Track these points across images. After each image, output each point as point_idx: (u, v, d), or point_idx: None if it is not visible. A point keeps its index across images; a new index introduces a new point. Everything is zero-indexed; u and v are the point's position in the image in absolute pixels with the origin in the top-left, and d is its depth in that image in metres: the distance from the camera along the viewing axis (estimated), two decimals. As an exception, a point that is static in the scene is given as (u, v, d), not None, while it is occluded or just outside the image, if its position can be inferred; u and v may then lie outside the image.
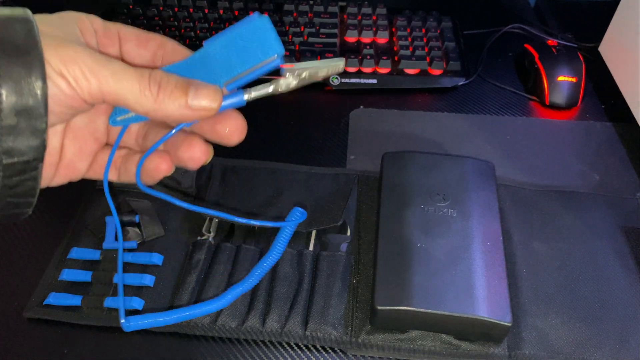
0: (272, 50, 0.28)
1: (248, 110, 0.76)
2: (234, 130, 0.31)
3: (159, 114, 0.27)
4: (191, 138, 0.31)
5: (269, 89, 0.29)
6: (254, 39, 0.28)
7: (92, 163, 0.33)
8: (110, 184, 0.33)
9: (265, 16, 0.28)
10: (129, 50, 0.31)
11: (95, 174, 0.33)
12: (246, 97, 0.29)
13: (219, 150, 0.65)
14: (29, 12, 0.25)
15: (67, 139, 0.31)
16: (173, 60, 0.31)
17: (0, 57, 0.23)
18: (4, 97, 0.23)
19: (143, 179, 0.32)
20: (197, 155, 0.31)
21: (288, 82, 0.29)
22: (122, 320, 0.39)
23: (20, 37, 0.24)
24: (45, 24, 0.26)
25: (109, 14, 0.77)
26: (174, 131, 0.30)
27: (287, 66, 0.29)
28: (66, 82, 0.25)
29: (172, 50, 0.31)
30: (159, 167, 0.31)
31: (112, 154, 0.31)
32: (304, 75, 0.29)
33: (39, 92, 0.24)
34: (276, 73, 0.29)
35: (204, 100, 0.27)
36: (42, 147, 0.25)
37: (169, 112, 0.27)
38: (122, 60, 0.31)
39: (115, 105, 0.28)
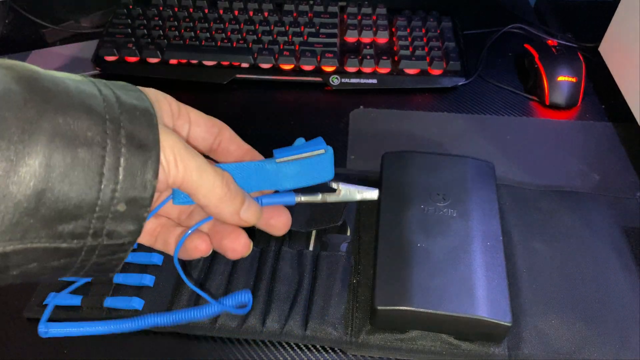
0: (329, 176, 0.35)
1: (248, 109, 0.75)
2: (282, 226, 0.36)
3: (214, 210, 0.31)
4: (238, 232, 0.34)
5: (317, 197, 0.36)
6: (319, 166, 0.35)
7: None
8: None
9: (330, 148, 0.35)
10: (197, 133, 0.34)
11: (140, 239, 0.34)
12: (297, 200, 0.35)
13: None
14: (148, 101, 0.27)
15: None
16: (228, 147, 0.35)
17: (126, 150, 0.24)
18: (119, 186, 0.24)
19: (179, 254, 0.34)
20: (239, 248, 0.34)
21: (333, 197, 0.36)
22: (41, 327, 0.38)
23: (144, 132, 0.25)
24: None
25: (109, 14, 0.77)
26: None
27: (337, 184, 0.37)
28: (161, 168, 0.27)
29: (229, 138, 0.35)
30: (199, 248, 0.33)
31: (184, 237, 0.33)
32: (344, 194, 0.37)
33: (149, 186, 0.26)
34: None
35: (251, 216, 0.32)
36: (138, 233, 0.27)
37: (222, 212, 0.31)
38: (188, 142, 0.34)
39: (184, 192, 0.30)
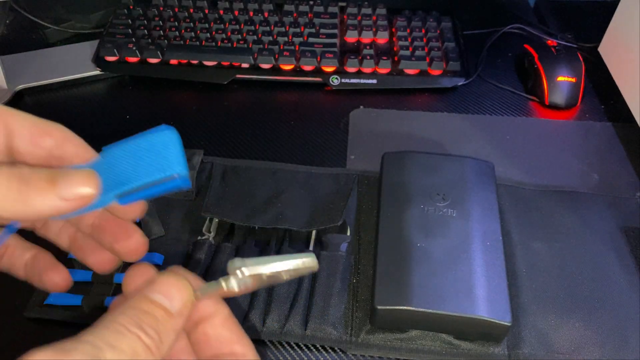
0: (170, 169, 0.25)
1: (248, 109, 0.75)
2: (133, 251, 0.29)
3: (30, 215, 0.24)
4: (56, 265, 0.30)
5: (218, 287, 0.25)
6: (155, 154, 0.26)
7: None
8: None
9: (173, 130, 0.26)
10: (19, 146, 0.26)
11: None
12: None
13: (219, 150, 0.65)
14: None
15: None
16: (71, 163, 0.27)
17: None
18: None
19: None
20: (56, 280, 0.30)
21: (243, 282, 0.25)
22: None
23: None
24: None
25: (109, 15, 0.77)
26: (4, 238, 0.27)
27: (239, 264, 0.25)
28: None
29: (72, 150, 0.27)
30: (57, 283, 0.30)
31: None
32: (262, 275, 0.25)
33: None
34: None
35: (77, 185, 0.24)
36: None
37: (39, 210, 0.23)
38: (15, 157, 0.27)
39: None
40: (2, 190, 0.23)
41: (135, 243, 0.29)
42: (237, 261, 0.25)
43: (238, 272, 0.25)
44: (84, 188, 0.24)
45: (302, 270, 0.26)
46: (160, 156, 0.25)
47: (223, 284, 0.25)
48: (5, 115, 0.26)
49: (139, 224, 0.52)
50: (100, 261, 0.30)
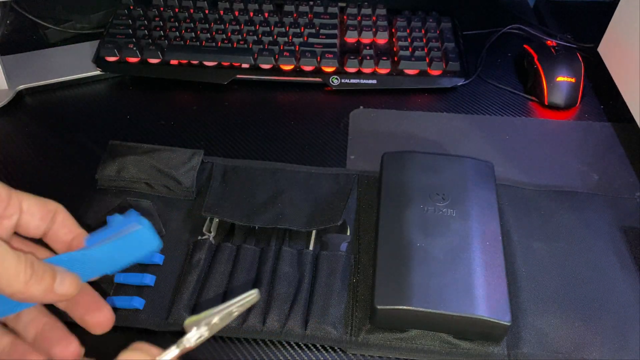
0: (152, 247, 0.33)
1: (248, 109, 0.75)
2: (98, 325, 0.34)
3: (23, 296, 0.28)
4: (69, 338, 0.33)
5: (177, 350, 0.30)
6: (137, 241, 0.33)
7: None
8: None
9: (146, 221, 0.33)
10: (29, 222, 0.32)
11: None
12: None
13: (219, 150, 0.65)
14: None
15: None
16: (58, 231, 0.33)
17: None
18: None
19: None
20: (67, 354, 0.33)
21: (199, 334, 0.30)
22: None
23: None
24: None
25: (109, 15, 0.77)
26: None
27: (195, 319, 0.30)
28: None
29: (61, 221, 0.33)
30: None
31: None
32: (214, 322, 0.30)
33: None
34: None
35: (67, 288, 0.30)
36: None
37: (34, 295, 0.28)
38: (18, 230, 0.32)
39: None
40: (14, 269, 0.27)
41: (104, 316, 0.34)
42: (192, 318, 0.30)
43: (194, 329, 0.30)
44: (71, 289, 0.30)
45: (248, 305, 0.31)
46: (140, 242, 0.33)
47: (180, 345, 0.29)
48: (20, 197, 0.32)
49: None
50: (64, 352, 0.33)
